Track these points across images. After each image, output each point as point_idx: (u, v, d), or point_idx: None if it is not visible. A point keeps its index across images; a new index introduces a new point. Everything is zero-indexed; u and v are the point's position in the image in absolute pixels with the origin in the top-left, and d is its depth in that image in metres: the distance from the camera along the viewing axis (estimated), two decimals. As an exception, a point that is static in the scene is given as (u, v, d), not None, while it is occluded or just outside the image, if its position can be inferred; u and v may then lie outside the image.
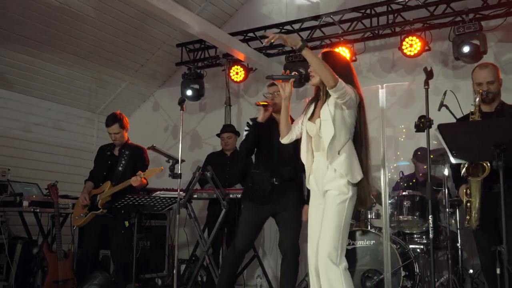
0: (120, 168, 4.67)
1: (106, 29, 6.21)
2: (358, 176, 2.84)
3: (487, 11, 5.09)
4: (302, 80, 3.10)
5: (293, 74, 3.08)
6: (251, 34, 6.26)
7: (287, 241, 3.86)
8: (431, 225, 2.71)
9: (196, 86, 6.58)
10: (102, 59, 6.65)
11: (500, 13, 5.04)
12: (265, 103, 3.75)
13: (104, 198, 4.56)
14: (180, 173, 3.81)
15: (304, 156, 3.02)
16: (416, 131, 3.17)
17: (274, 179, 3.86)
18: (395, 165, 5.74)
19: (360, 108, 2.95)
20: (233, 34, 6.16)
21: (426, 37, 5.36)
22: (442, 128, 2.72)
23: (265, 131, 3.86)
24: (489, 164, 3.00)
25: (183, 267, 6.48)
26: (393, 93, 5.81)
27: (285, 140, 3.14)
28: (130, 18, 6.22)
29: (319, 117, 2.92)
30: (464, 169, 3.11)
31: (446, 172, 4.89)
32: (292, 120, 3.25)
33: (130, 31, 6.42)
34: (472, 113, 3.25)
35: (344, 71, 2.89)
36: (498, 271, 2.76)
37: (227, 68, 6.56)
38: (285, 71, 3.20)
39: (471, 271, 4.64)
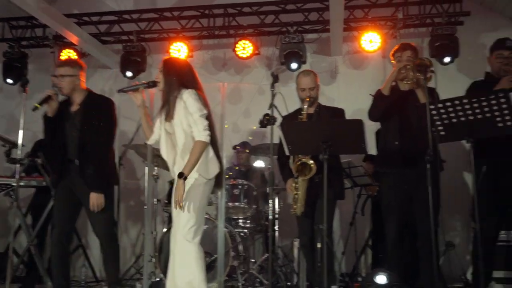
0: None
1: None
2: (211, 171, 3.17)
3: (308, 25, 5.86)
4: (150, 87, 3.31)
5: (141, 83, 3.32)
6: (86, 18, 6.07)
7: (100, 229, 3.81)
8: (276, 209, 3.12)
9: (19, 66, 6.13)
10: None
11: (318, 28, 5.86)
12: (46, 97, 3.65)
13: None
14: (20, 159, 3.60)
15: (164, 153, 3.26)
16: (260, 127, 3.57)
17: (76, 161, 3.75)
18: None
19: (205, 106, 3.23)
20: (67, 16, 5.89)
21: (257, 42, 5.92)
22: (283, 125, 3.19)
23: (58, 119, 3.77)
24: (314, 164, 3.55)
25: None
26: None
27: (150, 141, 3.39)
28: None
29: (173, 119, 3.21)
30: (295, 171, 3.60)
31: (261, 164, 5.58)
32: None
33: None
34: (300, 114, 3.78)
35: (187, 77, 3.23)
36: (319, 245, 3.34)
37: (56, 50, 6.24)
38: (136, 81, 3.41)
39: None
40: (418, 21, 5.64)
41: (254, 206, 5.07)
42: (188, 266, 3.03)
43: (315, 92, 3.85)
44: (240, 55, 5.76)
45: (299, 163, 3.58)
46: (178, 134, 3.18)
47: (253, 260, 5.28)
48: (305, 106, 3.71)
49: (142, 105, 3.32)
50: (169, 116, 3.21)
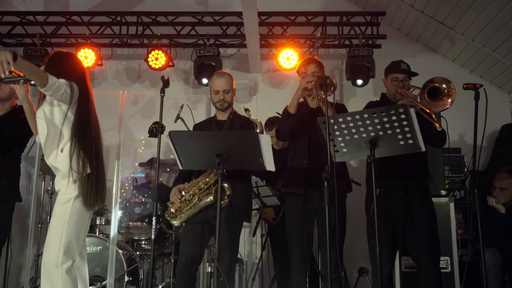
0: None
1: None
2: (81, 173, 2.82)
3: (226, 39, 5.65)
4: (31, 80, 3.00)
5: (22, 77, 2.99)
6: (-16, 17, 5.56)
7: None
8: (153, 227, 2.81)
9: None
10: None
11: (236, 43, 5.66)
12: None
13: None
14: None
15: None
16: (149, 136, 3.27)
17: None
18: (132, 175, 5.73)
19: (84, 105, 2.95)
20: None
21: (171, 54, 5.63)
22: (172, 135, 2.88)
23: None
24: (229, 189, 3.20)
25: None
26: (136, 103, 5.90)
27: (38, 139, 3.05)
28: None
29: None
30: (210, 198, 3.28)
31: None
32: None
33: None
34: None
35: (69, 73, 2.92)
36: (209, 269, 3.02)
37: (-52, 50, 5.65)
38: (16, 74, 3.04)
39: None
40: (336, 41, 5.58)
41: (158, 227, 4.69)
42: None
43: (230, 96, 3.53)
44: (153, 65, 5.44)
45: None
46: (41, 127, 2.86)
47: (159, 286, 4.88)
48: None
49: (25, 98, 3.04)
50: None
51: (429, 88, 3.23)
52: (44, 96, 2.89)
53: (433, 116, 3.17)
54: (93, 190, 2.83)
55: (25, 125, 3.37)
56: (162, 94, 3.02)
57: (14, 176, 3.69)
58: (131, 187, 5.30)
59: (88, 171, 2.82)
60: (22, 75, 2.99)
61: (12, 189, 3.66)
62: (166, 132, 2.94)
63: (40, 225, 5.02)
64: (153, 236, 2.80)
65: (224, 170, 2.91)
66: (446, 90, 3.18)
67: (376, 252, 2.84)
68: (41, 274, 2.79)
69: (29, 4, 6.07)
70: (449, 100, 3.18)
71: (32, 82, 2.94)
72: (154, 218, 2.81)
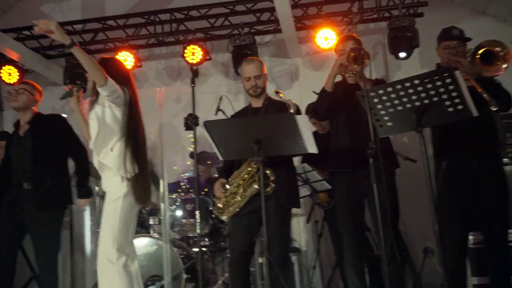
0: None
1: None
2: (132, 171, 2.92)
3: (260, 26, 5.54)
4: (82, 87, 3.24)
5: (74, 87, 3.24)
6: (26, 32, 5.71)
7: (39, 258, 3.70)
8: (198, 221, 2.75)
9: None
10: None
11: (271, 29, 5.54)
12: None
13: None
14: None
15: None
16: (185, 129, 3.23)
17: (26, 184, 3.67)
18: (186, 174, 5.71)
19: (133, 107, 3.06)
20: (5, 31, 5.53)
21: (207, 47, 5.58)
22: (208, 125, 2.81)
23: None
24: (272, 174, 3.09)
25: None
26: (179, 101, 5.90)
27: (91, 145, 3.13)
28: None
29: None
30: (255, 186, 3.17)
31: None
32: None
33: None
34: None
35: (115, 75, 3.00)
36: (260, 260, 2.93)
37: (-4, 68, 5.87)
38: (67, 87, 3.37)
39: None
40: (375, 14, 5.33)
41: (211, 222, 4.67)
42: None
43: (262, 82, 3.41)
44: (190, 61, 5.41)
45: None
46: (93, 127, 2.96)
47: (219, 281, 4.86)
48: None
49: (75, 108, 3.20)
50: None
51: (482, 53, 3.00)
52: (95, 100, 3.02)
53: (485, 95, 2.93)
54: (141, 188, 2.93)
55: (59, 124, 3.57)
56: (192, 85, 2.98)
57: (61, 180, 3.73)
58: (187, 186, 5.28)
59: (137, 170, 2.92)
60: (72, 87, 3.23)
61: (58, 196, 3.69)
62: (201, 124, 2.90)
63: (98, 230, 5.11)
64: (198, 230, 2.78)
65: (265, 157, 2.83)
66: (501, 53, 2.94)
67: (436, 230, 2.66)
68: (98, 274, 2.84)
69: (67, 14, 6.20)
70: (504, 66, 2.95)
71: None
72: (197, 212, 2.77)
